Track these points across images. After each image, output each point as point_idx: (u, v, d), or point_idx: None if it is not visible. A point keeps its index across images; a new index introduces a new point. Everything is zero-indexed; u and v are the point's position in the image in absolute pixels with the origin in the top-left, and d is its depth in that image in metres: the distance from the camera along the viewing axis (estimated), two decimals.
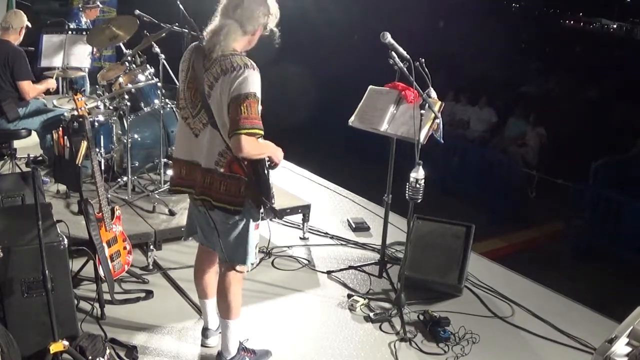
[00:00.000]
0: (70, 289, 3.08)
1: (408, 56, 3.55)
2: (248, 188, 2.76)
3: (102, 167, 4.65)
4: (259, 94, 2.67)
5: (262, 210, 2.83)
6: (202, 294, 3.23)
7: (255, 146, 2.67)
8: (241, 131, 2.59)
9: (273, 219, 2.95)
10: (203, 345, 3.32)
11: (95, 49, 6.21)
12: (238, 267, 2.92)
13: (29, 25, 5.24)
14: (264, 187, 2.77)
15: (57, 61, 5.82)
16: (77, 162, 3.73)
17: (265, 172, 2.77)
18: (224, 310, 3.00)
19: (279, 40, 2.88)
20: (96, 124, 4.72)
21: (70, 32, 5.94)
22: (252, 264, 2.98)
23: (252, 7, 2.72)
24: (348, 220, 5.17)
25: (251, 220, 2.87)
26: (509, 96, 13.10)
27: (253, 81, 2.64)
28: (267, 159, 2.81)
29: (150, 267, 4.10)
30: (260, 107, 2.70)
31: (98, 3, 7.01)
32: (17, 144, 5.36)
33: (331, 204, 5.65)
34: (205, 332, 3.32)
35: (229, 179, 2.77)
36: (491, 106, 11.82)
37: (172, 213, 4.45)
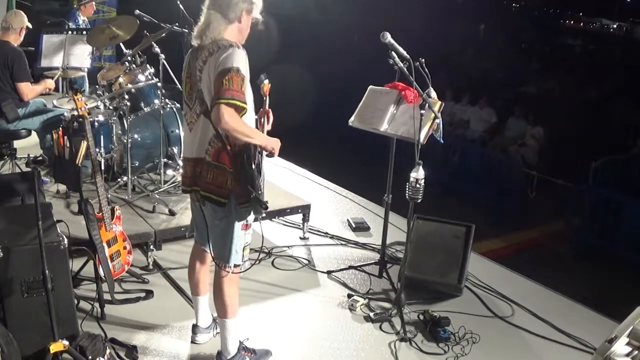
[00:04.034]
0: (70, 289, 3.08)
1: (408, 56, 3.54)
2: (234, 181, 2.75)
3: (102, 167, 4.65)
4: (243, 71, 2.67)
5: (248, 204, 2.77)
6: (194, 291, 3.26)
7: (237, 120, 2.63)
8: (220, 100, 2.59)
9: (262, 216, 2.89)
10: (193, 342, 3.33)
11: (95, 48, 6.21)
12: (223, 267, 2.91)
13: (30, 26, 5.24)
14: (249, 175, 2.72)
15: (57, 61, 5.82)
16: (77, 162, 3.73)
17: (252, 163, 2.72)
18: (220, 309, 3.01)
19: (262, 26, 2.91)
20: (96, 124, 4.72)
21: (70, 32, 5.94)
22: (236, 266, 2.92)
23: None
24: (348, 220, 5.17)
25: (236, 221, 2.84)
26: (509, 96, 13.11)
27: (237, 58, 2.67)
28: (257, 148, 2.75)
29: (150, 267, 4.10)
30: (245, 84, 2.68)
31: None
32: (17, 144, 5.36)
33: (331, 204, 5.65)
34: (195, 328, 3.33)
35: (216, 169, 2.78)
36: (491, 106, 11.83)
37: (172, 213, 4.45)
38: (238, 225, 2.86)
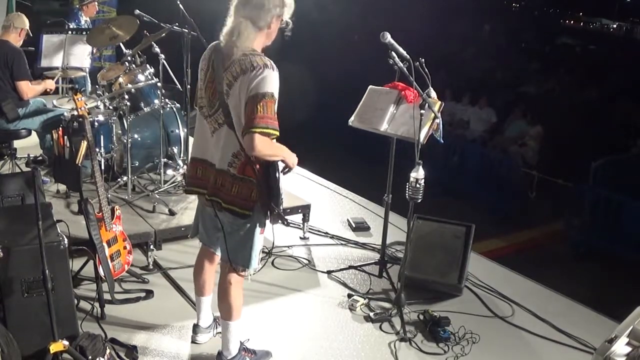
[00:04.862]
0: (70, 289, 3.09)
1: (408, 56, 3.54)
2: (259, 193, 2.74)
3: (102, 167, 4.65)
4: (276, 95, 2.64)
5: (269, 216, 2.82)
6: (199, 291, 3.25)
7: (269, 146, 2.64)
8: (255, 129, 2.57)
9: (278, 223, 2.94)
10: (193, 341, 3.33)
11: (95, 49, 6.21)
12: (240, 271, 2.92)
13: (30, 34, 5.25)
14: (274, 192, 2.73)
15: (57, 61, 5.83)
16: (77, 162, 3.73)
17: (277, 176, 2.73)
18: (225, 311, 3.01)
19: (290, 33, 2.84)
20: (96, 124, 4.72)
21: (70, 32, 5.94)
22: (255, 269, 2.96)
23: (261, 1, 2.67)
24: (348, 220, 5.17)
25: (257, 225, 2.86)
26: (509, 96, 13.11)
27: (271, 81, 2.61)
28: (280, 163, 2.77)
29: (150, 266, 4.10)
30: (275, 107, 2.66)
31: None
32: (17, 144, 5.36)
33: (331, 204, 5.65)
34: (196, 328, 3.33)
35: (241, 182, 2.75)
36: (491, 106, 11.83)
37: (172, 213, 4.45)
38: (258, 230, 2.88)
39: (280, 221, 2.82)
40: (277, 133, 2.64)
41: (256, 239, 2.88)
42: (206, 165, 2.88)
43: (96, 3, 7.17)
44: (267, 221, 2.89)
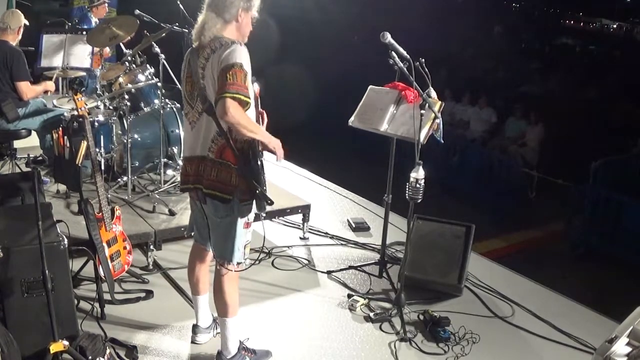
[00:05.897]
0: (70, 289, 3.08)
1: (408, 56, 3.55)
2: (239, 177, 2.77)
3: (102, 167, 4.65)
4: (246, 67, 2.70)
5: (254, 200, 2.82)
6: (194, 290, 3.26)
7: (241, 114, 2.65)
8: (225, 94, 2.61)
9: (264, 215, 2.93)
10: (193, 342, 3.33)
11: (107, 52, 6.23)
12: (226, 265, 2.93)
13: (27, 23, 5.22)
14: (254, 171, 2.77)
15: (57, 61, 5.82)
16: (77, 162, 3.73)
17: (256, 156, 2.77)
18: (221, 308, 3.01)
19: (256, 24, 2.91)
20: (96, 124, 4.72)
21: (70, 32, 5.94)
22: (240, 264, 2.95)
23: None
24: (348, 220, 5.17)
25: (239, 218, 2.86)
26: (509, 96, 13.11)
27: (240, 54, 2.69)
28: (260, 145, 2.80)
29: (150, 267, 4.10)
30: (248, 80, 2.70)
31: None
32: (17, 144, 5.36)
33: (331, 204, 5.65)
34: (195, 328, 3.34)
35: (220, 166, 2.79)
36: (491, 106, 11.83)
37: (172, 213, 4.45)
38: (240, 223, 2.88)
39: (265, 202, 2.80)
40: (249, 100, 2.68)
41: (239, 232, 2.88)
42: (193, 160, 2.92)
43: (106, 4, 7.17)
44: (254, 209, 2.88)
